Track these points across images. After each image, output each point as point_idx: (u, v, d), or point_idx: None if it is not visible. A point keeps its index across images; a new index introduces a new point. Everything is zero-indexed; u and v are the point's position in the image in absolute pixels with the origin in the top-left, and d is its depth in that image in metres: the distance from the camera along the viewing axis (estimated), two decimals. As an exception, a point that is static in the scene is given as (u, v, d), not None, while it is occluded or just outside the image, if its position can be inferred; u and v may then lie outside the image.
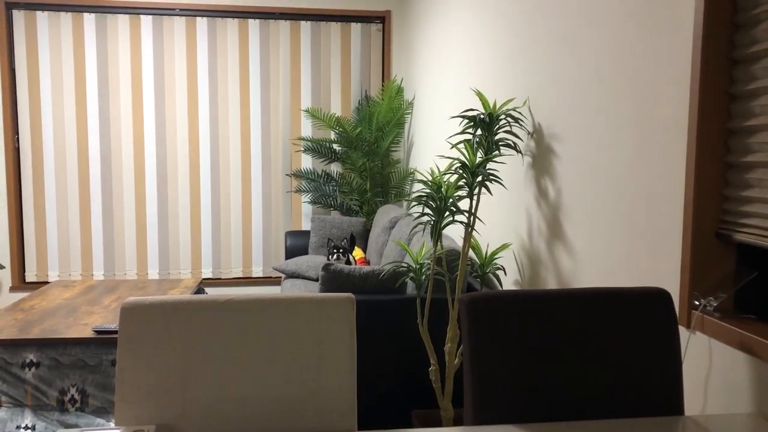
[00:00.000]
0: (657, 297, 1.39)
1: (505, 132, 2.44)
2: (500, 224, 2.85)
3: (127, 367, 1.23)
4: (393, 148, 4.97)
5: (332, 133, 5.10)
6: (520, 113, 2.49)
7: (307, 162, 5.22)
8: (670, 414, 1.32)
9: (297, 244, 4.84)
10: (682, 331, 1.53)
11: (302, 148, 5.16)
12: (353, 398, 1.28)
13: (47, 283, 4.96)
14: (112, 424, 2.86)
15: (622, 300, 1.39)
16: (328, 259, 3.95)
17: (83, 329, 2.99)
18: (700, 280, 1.48)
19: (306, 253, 4.83)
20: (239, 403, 1.25)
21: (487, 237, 3.04)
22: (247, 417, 1.25)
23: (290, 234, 4.91)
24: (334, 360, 1.29)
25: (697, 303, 1.48)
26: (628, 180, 1.77)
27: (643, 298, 1.39)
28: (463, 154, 2.41)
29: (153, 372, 1.23)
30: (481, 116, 2.43)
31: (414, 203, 2.49)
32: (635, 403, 1.33)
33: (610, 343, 1.34)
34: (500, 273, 2.84)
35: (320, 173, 5.11)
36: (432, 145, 4.14)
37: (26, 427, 2.74)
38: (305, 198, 5.23)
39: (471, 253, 3.18)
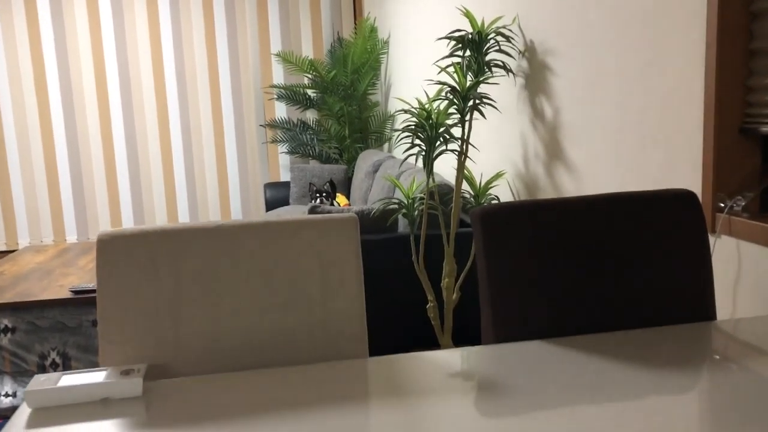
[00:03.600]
0: (682, 199, 1.28)
1: (496, 52, 2.30)
2: (494, 152, 2.73)
3: (109, 305, 1.10)
4: (370, 91, 4.79)
5: (305, 78, 4.90)
6: (510, 31, 2.35)
7: (281, 111, 5.03)
8: (701, 320, 1.23)
9: (277, 196, 4.69)
10: (706, 236, 1.44)
11: (275, 96, 4.95)
12: (363, 323, 1.16)
13: (17, 251, 4.75)
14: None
15: (644, 204, 1.28)
16: (312, 203, 3.82)
17: (59, 290, 2.83)
18: (725, 180, 1.38)
19: (287, 204, 4.68)
20: (239, 336, 1.12)
21: (480, 167, 2.93)
22: (249, 349, 1.12)
23: (269, 186, 4.75)
24: (341, 284, 1.17)
25: (722, 205, 1.38)
26: (638, 82, 1.64)
27: (667, 201, 1.28)
28: (453, 78, 2.27)
29: (139, 309, 1.10)
30: (470, 36, 2.28)
31: (401, 134, 2.36)
32: (664, 311, 1.24)
33: (634, 250, 1.24)
34: (495, 203, 2.73)
35: (296, 122, 4.92)
36: (414, 80, 3.98)
37: (6, 395, 2.60)
38: (282, 148, 5.05)
39: (464, 185, 3.07)
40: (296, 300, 1.15)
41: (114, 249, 1.11)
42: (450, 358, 1.03)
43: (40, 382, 0.93)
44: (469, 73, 2.30)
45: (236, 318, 1.13)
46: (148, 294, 1.11)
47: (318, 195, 3.75)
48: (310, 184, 4.01)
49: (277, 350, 1.14)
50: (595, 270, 1.22)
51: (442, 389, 0.91)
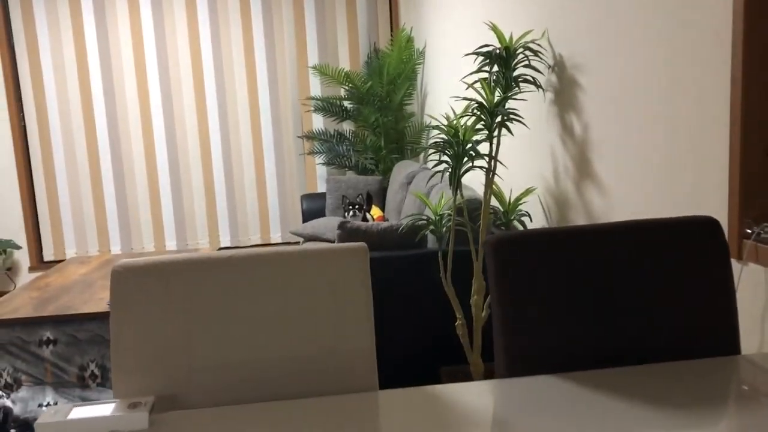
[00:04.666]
0: (704, 226, 1.24)
1: (524, 67, 2.27)
2: (523, 168, 2.70)
3: (123, 335, 1.12)
4: (406, 102, 4.79)
5: (342, 90, 4.93)
6: (539, 45, 2.32)
7: (318, 122, 5.07)
8: (725, 354, 1.18)
9: (313, 207, 4.73)
10: (733, 263, 1.39)
11: (312, 108, 5.00)
12: (372, 355, 1.16)
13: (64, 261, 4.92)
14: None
15: (665, 232, 1.24)
16: (345, 217, 3.83)
17: (99, 303, 2.92)
18: (752, 204, 1.33)
19: (323, 215, 4.72)
20: (249, 367, 1.14)
21: (509, 182, 2.89)
22: (259, 381, 1.14)
23: (306, 197, 4.79)
24: (350, 315, 1.17)
25: (749, 231, 1.33)
26: (664, 103, 1.60)
27: (688, 229, 1.24)
28: (480, 94, 2.25)
29: (152, 338, 1.13)
30: (497, 51, 2.26)
31: (431, 151, 2.35)
32: (685, 345, 1.20)
33: (653, 280, 1.20)
34: (525, 219, 2.70)
35: (333, 133, 4.96)
36: (447, 93, 3.96)
37: (48, 405, 2.69)
38: (319, 160, 5.10)
39: (493, 200, 3.04)
40: (307, 331, 1.15)
41: (128, 279, 1.14)
42: (459, 393, 1.02)
43: (50, 414, 0.96)
44: (497, 89, 2.28)
45: (247, 349, 1.14)
46: (161, 324, 1.13)
47: (351, 207, 3.75)
48: (342, 196, 4.02)
49: (289, 382, 1.14)
50: (611, 301, 1.19)
51: (450, 426, 0.90)
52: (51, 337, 2.77)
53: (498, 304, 1.18)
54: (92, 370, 2.77)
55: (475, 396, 1.00)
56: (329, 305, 1.16)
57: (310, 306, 1.16)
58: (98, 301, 2.97)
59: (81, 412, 0.96)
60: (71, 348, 2.78)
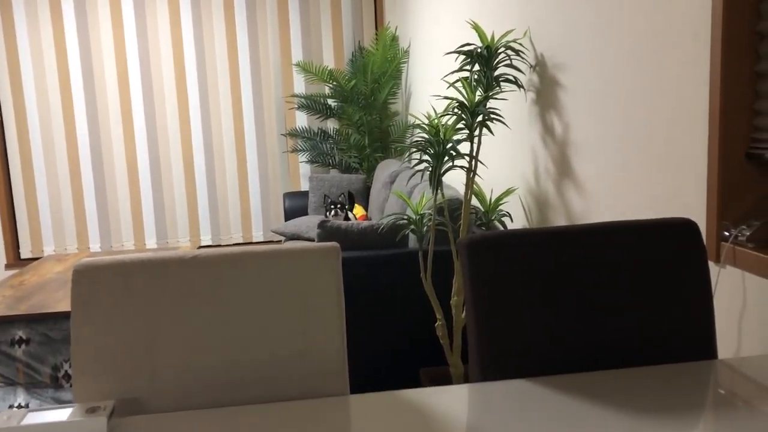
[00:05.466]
0: (682, 228, 1.22)
1: (506, 66, 2.25)
2: (504, 167, 2.68)
3: (84, 337, 1.08)
4: (390, 100, 4.76)
5: (326, 87, 4.90)
6: (521, 45, 2.30)
7: (302, 120, 5.03)
8: (701, 358, 1.17)
9: (296, 206, 4.69)
10: (711, 266, 1.37)
11: (296, 105, 4.96)
12: (343, 358, 1.13)
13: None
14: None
15: (642, 234, 1.22)
16: (326, 216, 3.80)
17: (74, 302, 2.86)
18: (730, 207, 1.32)
19: (306, 214, 4.68)
20: (214, 371, 1.10)
21: (490, 182, 2.87)
22: (224, 385, 1.10)
23: (288, 195, 4.75)
24: (320, 317, 1.14)
25: (727, 233, 1.32)
26: (643, 104, 1.58)
27: (666, 231, 1.22)
28: (461, 93, 2.23)
29: (114, 341, 1.09)
30: (479, 50, 2.24)
31: (412, 150, 2.32)
32: (662, 349, 1.18)
33: (630, 283, 1.18)
34: (506, 220, 2.68)
35: (316, 131, 4.92)
36: (430, 91, 3.94)
37: (19, 406, 2.63)
38: (302, 157, 5.06)
39: (474, 200, 3.02)
40: (275, 333, 1.12)
41: (89, 279, 1.10)
42: (432, 397, 1.00)
43: (3, 420, 0.92)
44: (479, 88, 2.26)
45: (212, 351, 1.11)
46: (122, 325, 1.09)
47: (333, 207, 3.72)
48: (324, 195, 3.99)
49: (256, 385, 1.11)
50: (588, 303, 1.17)
51: (422, 431, 0.87)
52: (23, 337, 2.72)
53: (472, 306, 1.16)
54: (66, 370, 2.72)
55: (448, 401, 0.98)
56: (298, 306, 1.13)
57: (278, 307, 1.13)
58: (73, 299, 2.91)
59: (36, 417, 0.93)
60: (44, 347, 2.72)
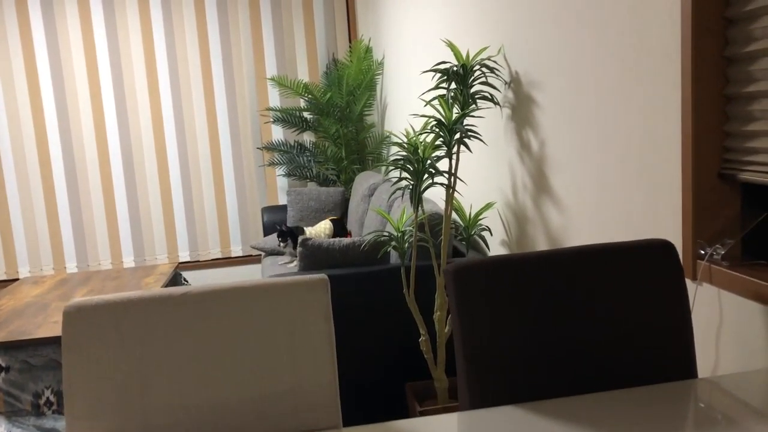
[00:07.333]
0: (660, 249, 1.26)
1: (481, 84, 2.28)
2: (483, 183, 2.71)
3: (76, 379, 1.08)
4: (366, 112, 4.79)
5: (301, 101, 4.90)
6: (495, 62, 2.33)
7: (278, 133, 5.03)
8: (682, 377, 1.21)
9: (274, 220, 4.68)
10: (688, 283, 1.41)
11: (271, 119, 4.95)
12: (335, 390, 1.14)
13: (18, 280, 4.77)
14: None
15: (621, 256, 1.26)
16: (279, 246, 3.85)
17: (53, 327, 2.83)
18: (705, 227, 1.36)
19: (285, 227, 4.67)
20: (206, 409, 1.11)
21: (469, 198, 2.91)
22: (217, 423, 1.11)
23: (267, 210, 4.74)
24: (310, 350, 1.15)
25: (702, 252, 1.36)
26: (618, 122, 1.63)
27: (644, 252, 1.26)
28: (439, 111, 2.26)
29: (105, 382, 1.09)
30: (454, 68, 2.27)
31: (391, 168, 2.35)
32: (643, 369, 1.22)
33: (611, 304, 1.22)
34: (486, 234, 2.72)
35: (293, 144, 4.92)
36: (406, 105, 3.97)
37: (1, 436, 2.59)
38: (279, 171, 5.05)
39: (454, 215, 3.05)
40: (266, 369, 1.13)
41: (79, 320, 1.10)
42: (423, 428, 1.01)
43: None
44: (455, 106, 2.29)
45: (204, 389, 1.11)
46: (114, 367, 1.10)
47: (282, 236, 3.76)
48: (277, 226, 4.04)
49: (248, 422, 1.12)
50: (571, 327, 1.20)
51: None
52: (2, 365, 2.68)
53: (459, 333, 1.18)
54: (47, 397, 2.68)
55: (439, 431, 0.99)
56: (289, 341, 1.14)
57: (269, 343, 1.14)
58: (52, 324, 2.88)
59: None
60: (24, 375, 2.69)
